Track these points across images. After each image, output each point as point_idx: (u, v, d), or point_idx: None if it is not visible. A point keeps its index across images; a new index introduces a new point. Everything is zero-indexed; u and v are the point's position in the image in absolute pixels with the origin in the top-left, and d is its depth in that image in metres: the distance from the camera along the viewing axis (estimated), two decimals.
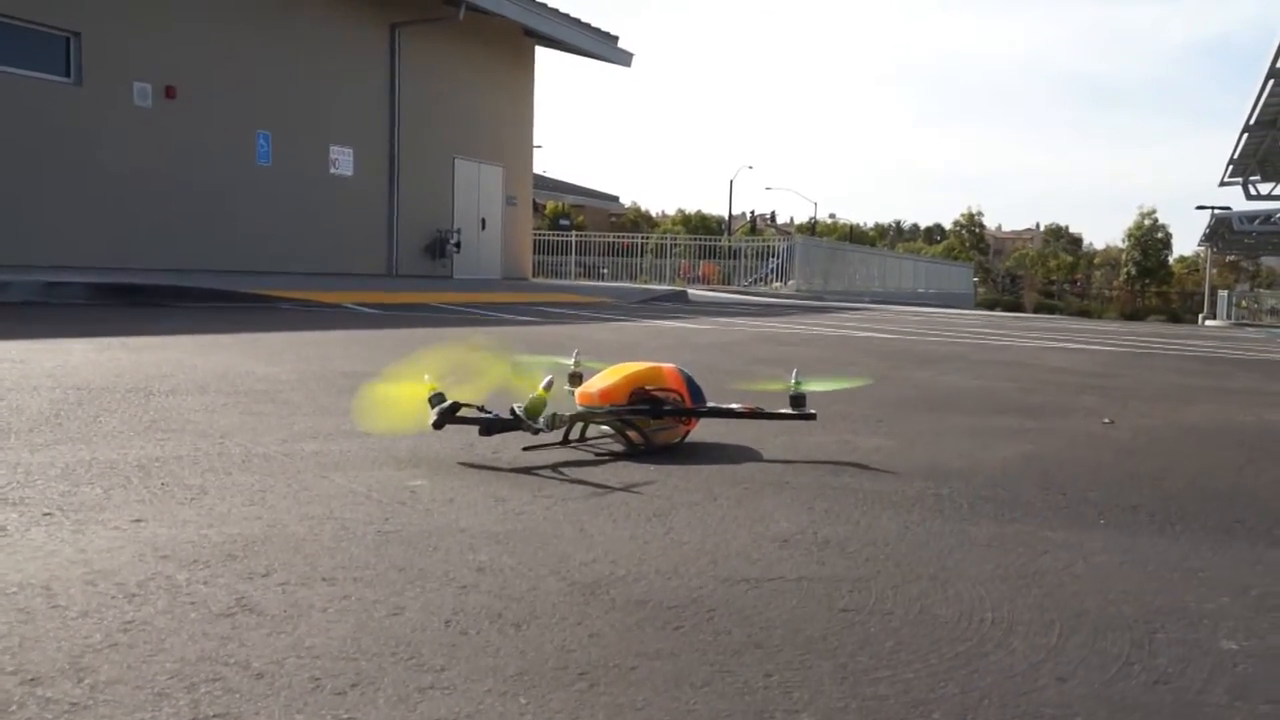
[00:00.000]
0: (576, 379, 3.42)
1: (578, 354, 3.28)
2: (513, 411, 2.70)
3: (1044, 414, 4.09)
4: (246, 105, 18.87)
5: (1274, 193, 37.82)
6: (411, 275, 22.18)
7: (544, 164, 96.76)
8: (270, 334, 6.64)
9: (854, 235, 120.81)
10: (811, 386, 3.09)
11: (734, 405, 3.27)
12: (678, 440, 3.16)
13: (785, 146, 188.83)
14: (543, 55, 26.86)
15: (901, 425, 3.58)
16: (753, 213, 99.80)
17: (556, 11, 24.38)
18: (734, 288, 37.71)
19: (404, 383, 2.71)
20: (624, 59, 26.95)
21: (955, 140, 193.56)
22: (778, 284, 39.55)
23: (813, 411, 3.08)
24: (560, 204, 59.15)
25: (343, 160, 20.61)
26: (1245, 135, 27.85)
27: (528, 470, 2.42)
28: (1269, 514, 2.29)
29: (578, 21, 25.22)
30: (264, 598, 1.38)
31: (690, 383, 3.22)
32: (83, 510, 1.82)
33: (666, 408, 3.09)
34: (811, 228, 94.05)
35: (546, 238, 37.52)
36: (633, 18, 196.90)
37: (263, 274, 17.36)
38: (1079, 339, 11.27)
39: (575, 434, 3.08)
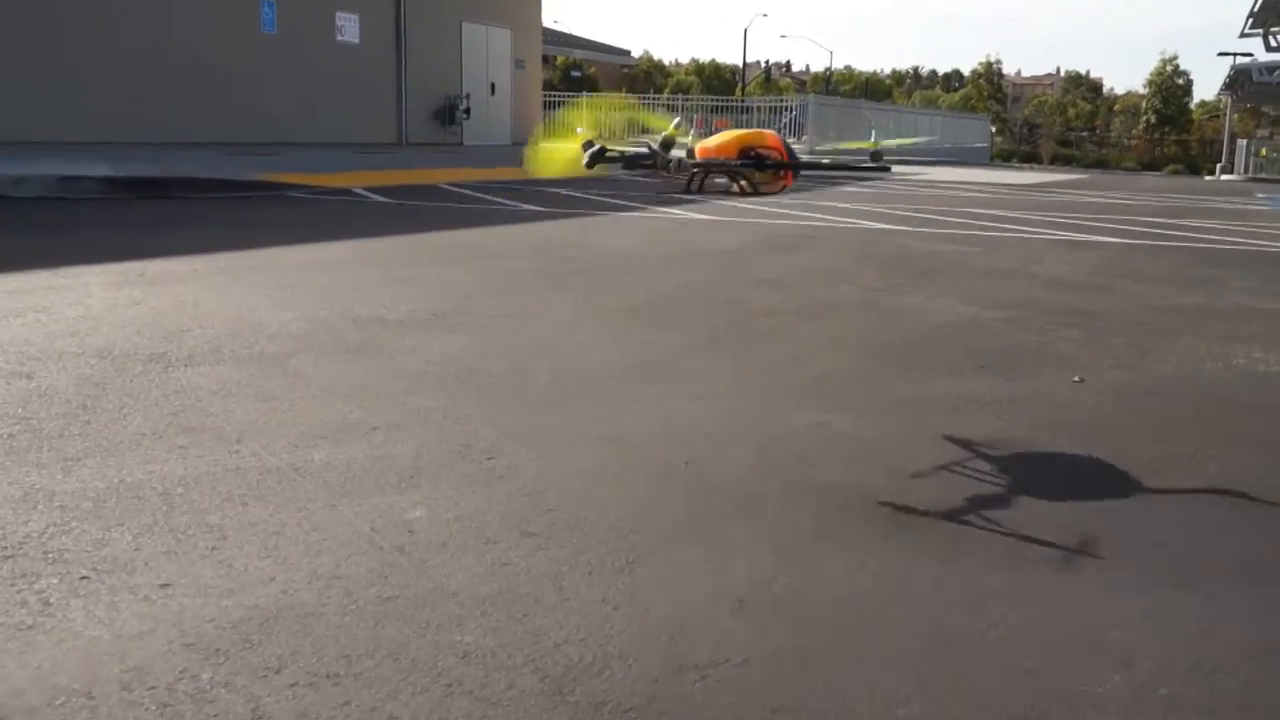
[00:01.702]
0: (669, 143, 4.08)
1: (678, 120, 3.94)
2: (649, 147, 3.35)
3: (1019, 368, 4.26)
4: None
5: None
6: (422, 143, 22.12)
7: (555, 15, 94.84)
8: (283, 249, 6.79)
9: (870, 85, 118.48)
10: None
11: (824, 159, 4.40)
12: (778, 191, 3.90)
13: None
14: None
15: (874, 394, 3.77)
16: (768, 63, 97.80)
17: None
18: None
19: (561, 140, 3.67)
20: None
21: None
22: (792, 140, 39.17)
23: (888, 164, 3.81)
24: (571, 58, 58.06)
25: (349, 27, 20.36)
26: None
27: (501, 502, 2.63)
28: (1197, 548, 2.50)
29: None
30: (276, 707, 1.61)
31: (786, 145, 3.84)
32: (116, 571, 2.04)
33: (768, 163, 3.69)
34: (827, 79, 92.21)
35: (556, 99, 37.02)
36: None
37: (272, 146, 17.37)
38: (1087, 220, 11.30)
39: (695, 184, 3.93)
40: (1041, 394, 3.82)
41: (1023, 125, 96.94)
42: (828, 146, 35.32)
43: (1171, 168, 75.05)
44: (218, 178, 11.05)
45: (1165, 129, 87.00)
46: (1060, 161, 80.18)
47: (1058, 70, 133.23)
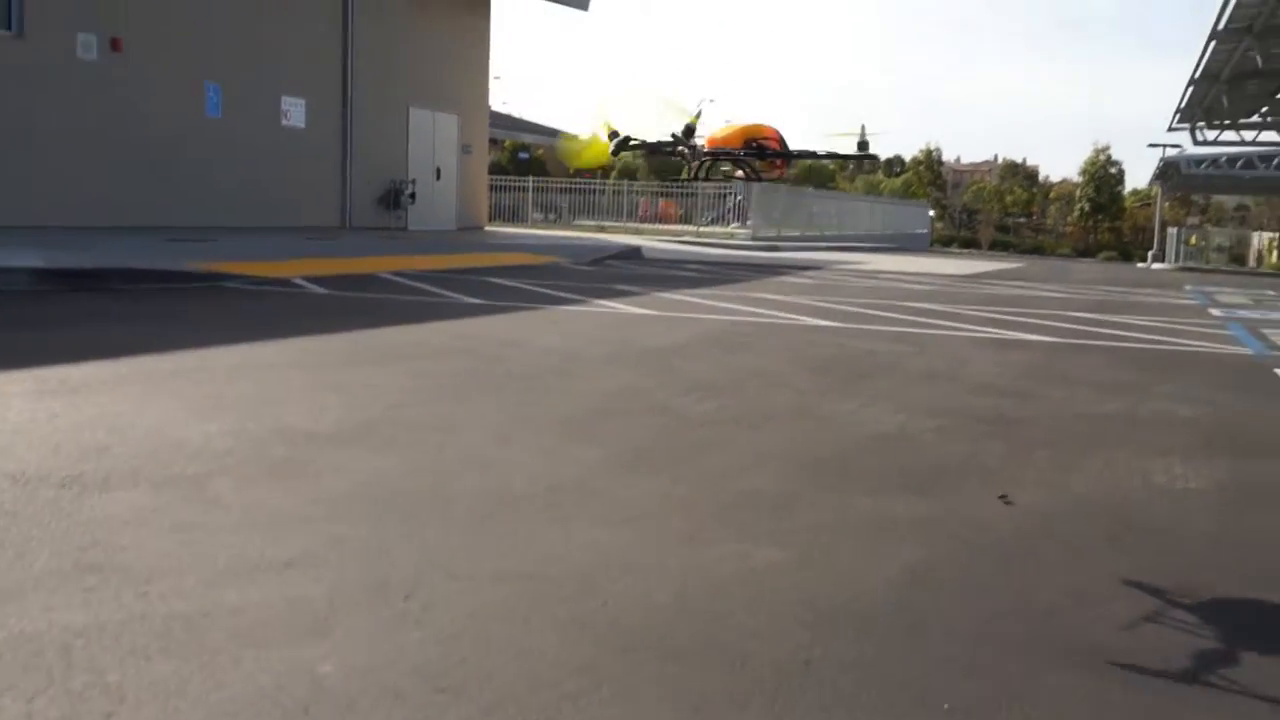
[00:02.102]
0: (691, 130, 5.16)
1: (700, 111, 4.64)
2: (673, 135, 4.23)
3: (944, 485, 4.30)
4: (195, 56, 18.67)
5: (1219, 139, 38.46)
6: (366, 228, 22.14)
7: (504, 97, 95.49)
8: (214, 351, 6.72)
9: (815, 169, 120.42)
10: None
11: (816, 149, 5.57)
12: (776, 176, 6.00)
13: (746, 79, 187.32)
14: None
15: (799, 518, 3.78)
16: None
17: None
18: (692, 228, 37.79)
19: (591, 138, 4.59)
20: (581, 2, 26.68)
21: (917, 68, 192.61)
22: (735, 224, 39.63)
23: (875, 154, 4.99)
24: (519, 141, 58.55)
25: (295, 111, 20.44)
26: (1191, 88, 28.34)
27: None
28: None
29: None
30: None
31: (781, 138, 4.46)
32: None
33: (768, 152, 4.65)
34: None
35: (504, 184, 37.27)
36: None
37: (214, 231, 17.28)
38: (1019, 315, 11.51)
39: (703, 172, 4.95)
40: (964, 516, 3.86)
41: (962, 211, 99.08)
42: (771, 231, 35.81)
43: (1105, 254, 76.87)
44: (153, 268, 10.96)
45: (1099, 216, 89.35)
46: (999, 247, 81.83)
47: (995, 157, 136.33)
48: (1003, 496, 4.12)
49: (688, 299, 12.24)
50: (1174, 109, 32.60)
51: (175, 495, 3.61)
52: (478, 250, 18.58)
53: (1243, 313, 14.53)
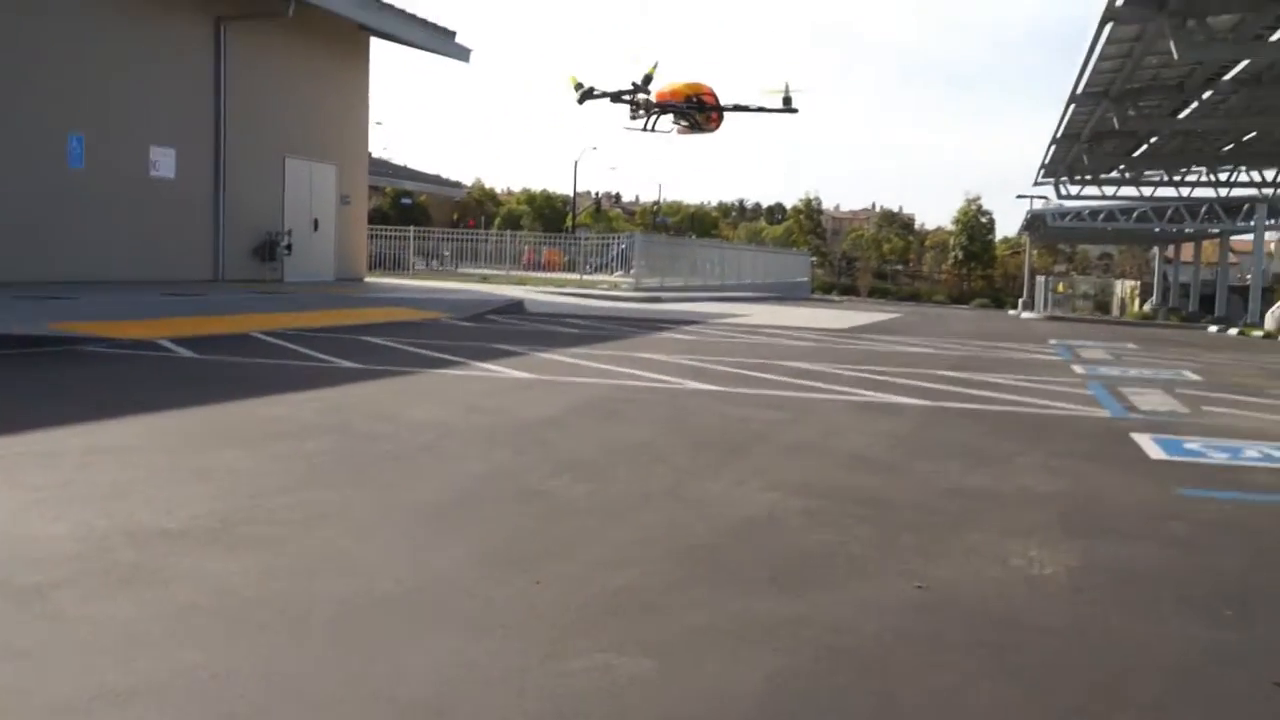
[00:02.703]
0: (649, 79, 12.13)
1: (656, 63, 5.86)
2: (632, 84, 7.68)
3: (811, 577, 4.33)
4: (58, 105, 18.14)
5: (1082, 193, 40.24)
6: (240, 280, 21.68)
7: (385, 142, 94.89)
8: (66, 431, 6.46)
9: (698, 217, 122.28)
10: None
11: (747, 103, 10.43)
12: (714, 129, 9.68)
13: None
14: (381, 41, 26.32)
15: (664, 620, 3.76)
16: (598, 194, 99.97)
17: (391, 6, 24.04)
18: (576, 277, 37.87)
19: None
20: (462, 54, 26.75)
21: (797, 116, 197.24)
22: (619, 273, 39.87)
23: (796, 108, 9.42)
24: (400, 188, 58.16)
25: (164, 162, 19.98)
26: (1054, 146, 29.55)
27: None
28: None
29: (413, 17, 24.94)
30: None
31: (715, 95, 9.64)
32: None
33: (708, 106, 8.92)
34: (655, 211, 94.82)
35: (385, 233, 36.89)
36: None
37: (77, 287, 16.73)
38: (892, 375, 11.74)
39: (652, 123, 9.26)
40: (828, 618, 3.88)
41: (842, 258, 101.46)
42: (654, 281, 36.09)
43: (979, 301, 79.35)
44: (4, 333, 10.52)
45: (972, 264, 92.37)
46: (877, 294, 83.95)
47: (873, 206, 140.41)
48: (918, 586, 4.19)
49: (568, 360, 12.22)
50: (1039, 164, 33.91)
51: (13, 612, 3.43)
52: (355, 305, 18.32)
53: (1103, 369, 15.05)
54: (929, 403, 10.11)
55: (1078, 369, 15.01)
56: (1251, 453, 7.85)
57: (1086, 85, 21.73)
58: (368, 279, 27.91)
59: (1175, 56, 17.07)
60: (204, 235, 21.24)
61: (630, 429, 7.87)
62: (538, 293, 27.95)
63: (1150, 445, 8.02)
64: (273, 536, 4.49)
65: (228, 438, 6.65)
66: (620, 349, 14.14)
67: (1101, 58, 19.61)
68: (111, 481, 5.27)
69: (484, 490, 5.64)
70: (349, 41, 24.91)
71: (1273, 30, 17.72)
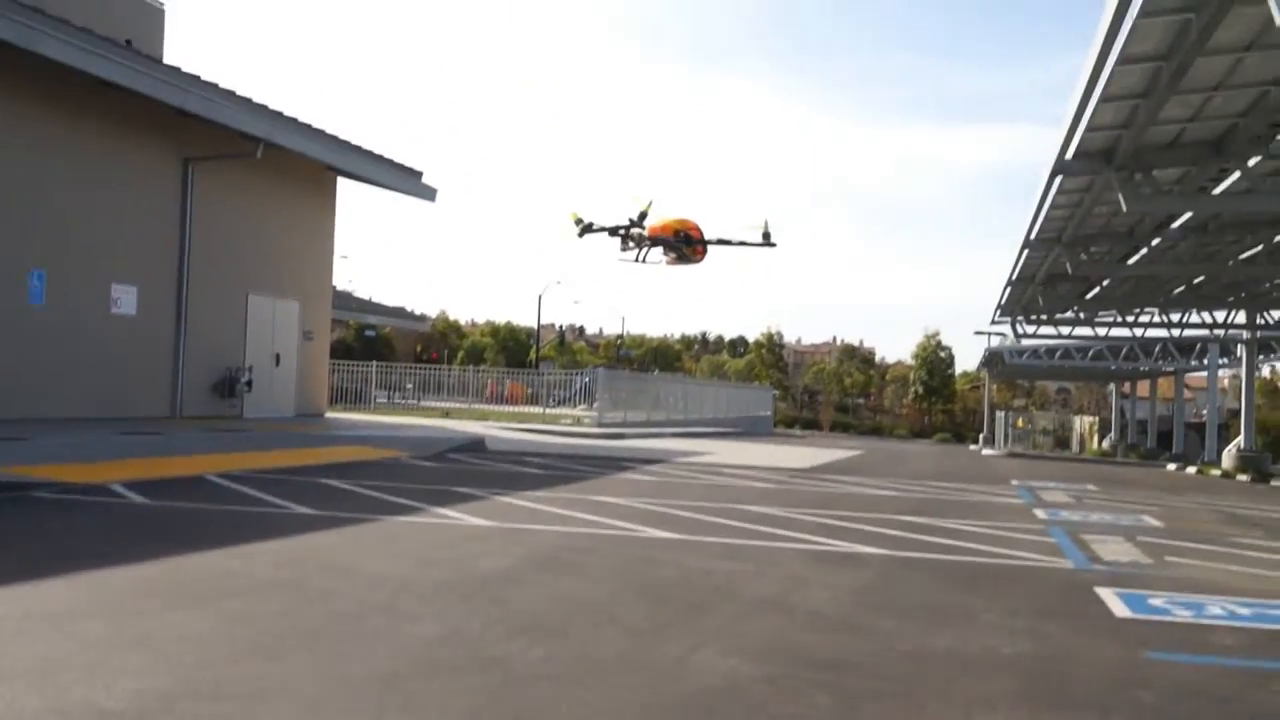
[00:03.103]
0: (644, 215, 14.89)
1: (651, 202, 7.14)
2: (630, 219, 8.74)
3: None
4: (20, 241, 18.13)
5: (1038, 332, 40.98)
6: (198, 417, 21.45)
7: (351, 275, 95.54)
8: (4, 593, 6.25)
9: (661, 350, 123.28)
10: None
11: (728, 238, 12.73)
12: (700, 260, 11.75)
13: (593, 259, 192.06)
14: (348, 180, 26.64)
15: None
16: (562, 327, 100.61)
17: (359, 148, 24.39)
18: (539, 410, 37.77)
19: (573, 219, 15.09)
20: (428, 194, 27.10)
21: (762, 249, 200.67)
22: (583, 406, 39.85)
23: (775, 243, 11.07)
24: (363, 322, 58.33)
25: (125, 299, 19.94)
26: (1009, 288, 30.16)
27: None
28: None
29: (381, 158, 25.29)
30: None
31: (701, 230, 11.69)
32: None
33: (695, 240, 10.18)
34: (619, 345, 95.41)
35: (348, 366, 36.79)
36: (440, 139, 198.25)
37: (33, 425, 16.49)
38: (853, 520, 11.66)
39: (644, 254, 12.67)
40: None
41: (804, 392, 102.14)
42: (617, 415, 36.07)
43: (940, 436, 79.89)
44: None
45: (933, 398, 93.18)
46: (839, 428, 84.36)
47: (834, 339, 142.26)
48: None
49: (528, 504, 12.08)
50: (996, 304, 34.52)
51: None
52: (314, 444, 18.14)
53: (1065, 514, 15.07)
54: (891, 552, 10.03)
55: (1040, 513, 15.01)
56: (1215, 609, 7.81)
57: (1039, 232, 22.32)
58: (329, 414, 27.73)
59: (1124, 209, 17.59)
60: (163, 372, 21.06)
61: (589, 584, 7.73)
62: (500, 429, 27.84)
63: (1115, 601, 7.96)
64: (217, 716, 4.32)
65: (176, 597, 6.45)
66: (581, 491, 14.03)
67: (1053, 206, 20.18)
68: (47, 653, 5.07)
69: (438, 657, 5.48)
70: (316, 181, 25.19)
71: (1217, 182, 18.36)
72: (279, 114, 21.06)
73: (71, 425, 17.22)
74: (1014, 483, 21.94)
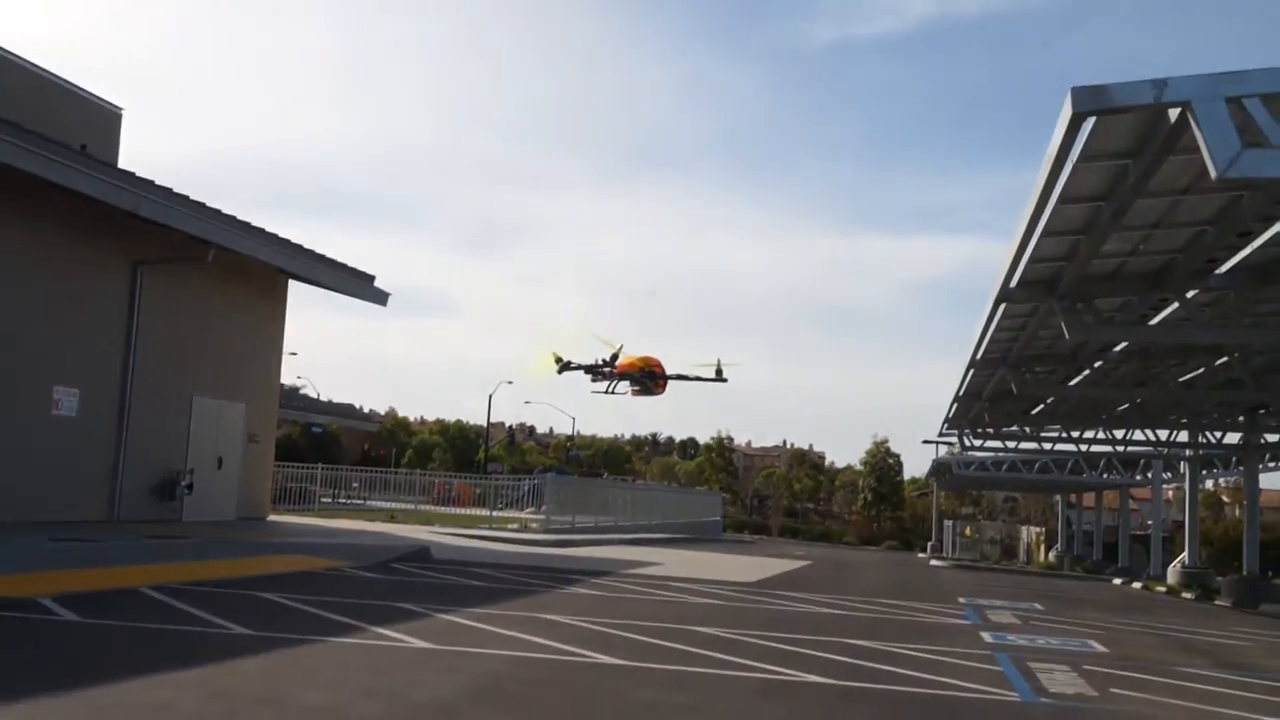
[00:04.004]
0: (615, 356, 23.99)
1: (621, 345, 8.91)
2: (603, 360, 11.24)
3: None
4: None
5: (985, 445, 41.45)
6: (137, 521, 21.00)
7: (300, 370, 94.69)
8: None
9: (611, 451, 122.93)
10: None
11: (686, 372, 18.97)
12: (661, 393, 17.44)
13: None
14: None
15: None
16: (511, 427, 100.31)
17: (311, 252, 24.40)
18: (486, 513, 37.39)
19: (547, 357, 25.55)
20: (380, 298, 27.13)
21: (710, 354, 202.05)
22: (530, 509, 39.44)
23: (726, 378, 13.96)
24: (312, 421, 57.83)
25: (67, 401, 19.64)
26: (955, 404, 30.54)
27: None
28: None
29: (333, 262, 25.32)
30: None
31: (662, 366, 17.21)
32: None
33: (657, 375, 15.23)
34: (569, 447, 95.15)
35: (293, 468, 36.27)
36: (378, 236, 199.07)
37: None
38: (800, 645, 11.55)
39: (613, 387, 17.94)
40: None
41: (753, 496, 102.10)
42: (565, 519, 35.73)
43: (888, 544, 79.93)
44: None
45: (882, 505, 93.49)
46: (788, 533, 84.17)
47: (785, 442, 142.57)
48: None
49: (472, 624, 11.87)
50: (943, 418, 34.88)
51: None
52: (254, 552, 17.80)
53: (1011, 637, 15.04)
54: (838, 682, 9.94)
55: (986, 636, 14.98)
56: None
57: (985, 353, 22.71)
58: (272, 517, 27.23)
59: (1066, 337, 17.98)
60: (102, 475, 20.65)
61: None
62: (446, 534, 27.47)
63: None
64: None
65: None
66: (527, 608, 13.82)
67: (998, 329, 20.57)
68: None
69: None
70: (267, 283, 25.12)
71: (1157, 310, 18.82)
72: (231, 218, 21.07)
73: (4, 529, 16.78)
74: (961, 600, 21.93)
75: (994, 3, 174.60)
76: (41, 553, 14.81)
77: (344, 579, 15.85)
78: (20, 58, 21.06)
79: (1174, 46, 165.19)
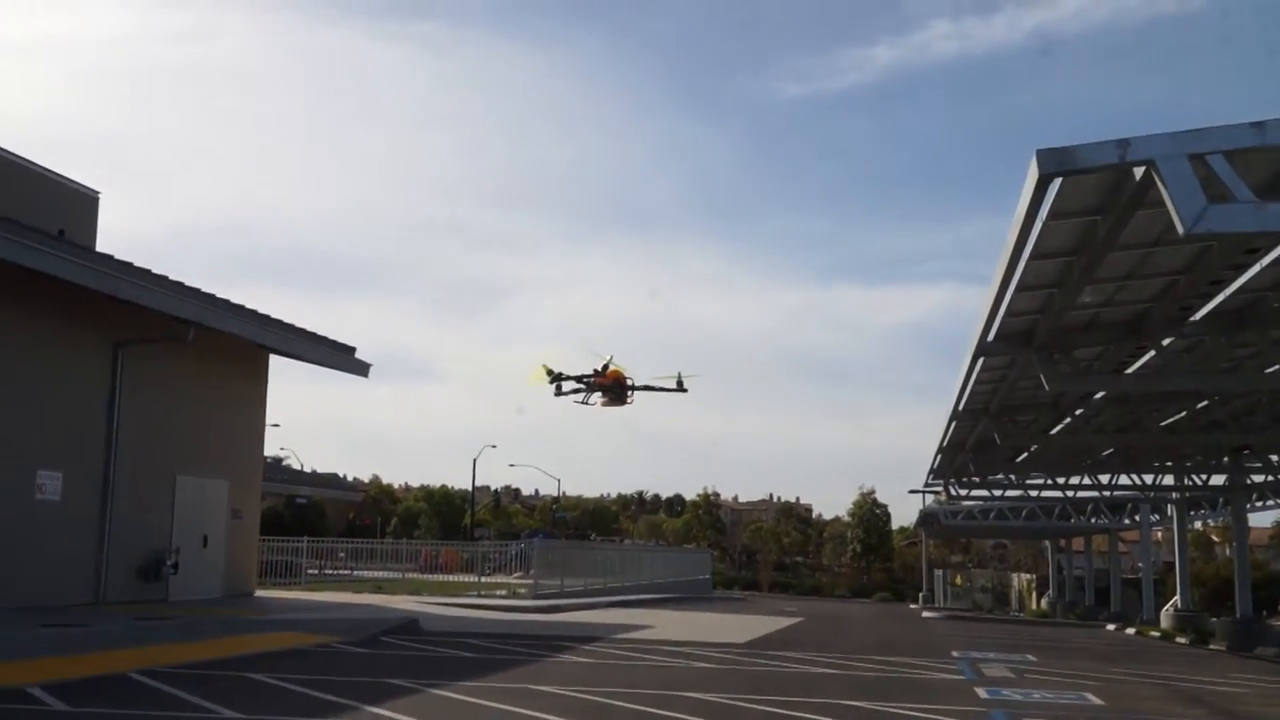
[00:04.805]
0: (606, 367, 33.97)
1: (611, 356, 10.86)
2: (594, 370, 16.31)
3: None
4: None
5: (971, 495, 41.54)
6: (123, 602, 20.80)
7: (283, 442, 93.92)
8: None
9: (598, 511, 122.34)
10: None
11: (651, 383, 29.27)
12: (630, 403, 26.81)
13: (528, 422, 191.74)
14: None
15: None
16: (497, 491, 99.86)
17: (291, 327, 24.45)
18: (474, 579, 37.18)
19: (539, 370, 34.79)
20: (361, 369, 27.18)
21: (694, 409, 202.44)
22: (519, 573, 39.21)
23: (686, 388, 20.23)
24: (295, 494, 57.51)
25: (50, 485, 19.56)
26: (940, 455, 30.65)
27: None
28: None
29: (313, 335, 25.38)
30: None
31: (629, 379, 30.67)
32: None
33: (626, 387, 22.47)
34: (554, 509, 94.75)
35: (278, 543, 36.01)
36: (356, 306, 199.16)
37: None
38: (791, 709, 11.49)
39: (587, 398, 34.28)
40: None
41: (742, 552, 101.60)
42: (554, 582, 35.50)
43: (880, 595, 79.47)
44: None
45: (871, 556, 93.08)
46: (779, 588, 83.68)
47: (771, 496, 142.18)
48: None
49: (463, 698, 11.79)
50: (928, 469, 34.97)
51: None
52: (242, 630, 17.65)
53: (1006, 692, 14.99)
54: None
55: (981, 692, 14.92)
56: None
57: (966, 404, 22.85)
58: (259, 593, 27.00)
59: (1046, 388, 18.14)
60: (87, 557, 20.49)
61: None
62: (435, 603, 27.26)
63: None
64: None
65: None
66: (519, 679, 13.73)
67: (978, 381, 20.73)
68: None
69: None
70: (248, 359, 25.12)
71: (1136, 357, 19.02)
72: (210, 296, 21.12)
73: None
74: (954, 654, 21.83)
75: (957, 51, 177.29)
76: (30, 639, 14.67)
77: (334, 655, 15.72)
78: None
79: (1140, 92, 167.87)
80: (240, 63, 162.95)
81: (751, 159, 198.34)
